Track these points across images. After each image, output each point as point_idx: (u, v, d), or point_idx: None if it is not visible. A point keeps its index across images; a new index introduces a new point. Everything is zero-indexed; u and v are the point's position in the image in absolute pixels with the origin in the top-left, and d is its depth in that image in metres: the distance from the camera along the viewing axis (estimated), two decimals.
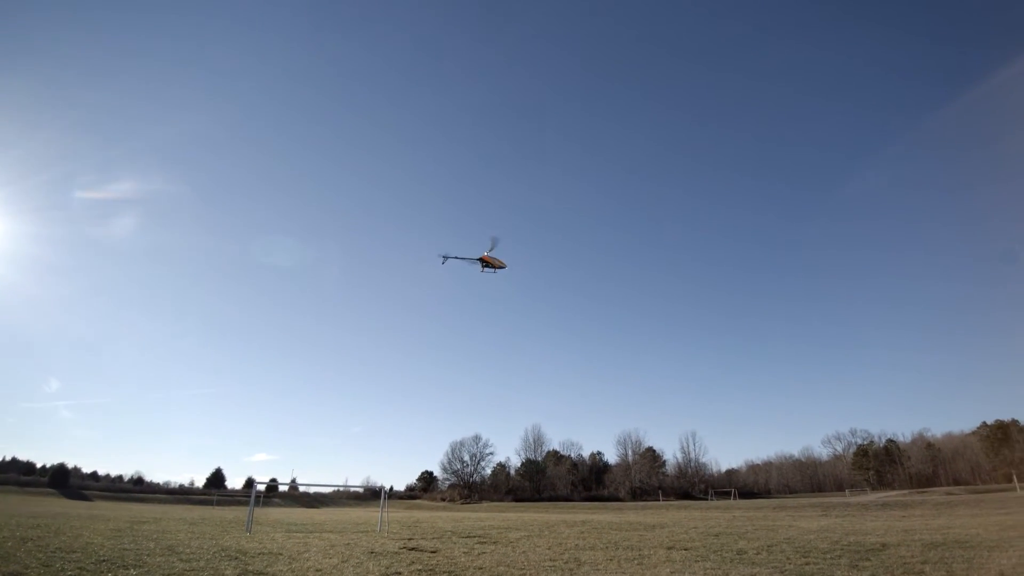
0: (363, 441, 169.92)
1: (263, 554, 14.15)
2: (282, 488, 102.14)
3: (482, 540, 19.01)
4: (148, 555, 13.01)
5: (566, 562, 12.88)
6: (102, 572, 9.98)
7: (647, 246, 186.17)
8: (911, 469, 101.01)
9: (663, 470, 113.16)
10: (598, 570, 11.58)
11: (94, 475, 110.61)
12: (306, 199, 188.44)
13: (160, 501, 71.72)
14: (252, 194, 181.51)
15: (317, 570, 11.47)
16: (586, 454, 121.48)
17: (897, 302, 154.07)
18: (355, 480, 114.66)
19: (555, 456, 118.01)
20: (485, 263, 8.30)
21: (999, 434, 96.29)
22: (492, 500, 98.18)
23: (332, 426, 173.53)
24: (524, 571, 11.34)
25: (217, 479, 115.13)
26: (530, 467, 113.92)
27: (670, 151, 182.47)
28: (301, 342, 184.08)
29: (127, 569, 10.50)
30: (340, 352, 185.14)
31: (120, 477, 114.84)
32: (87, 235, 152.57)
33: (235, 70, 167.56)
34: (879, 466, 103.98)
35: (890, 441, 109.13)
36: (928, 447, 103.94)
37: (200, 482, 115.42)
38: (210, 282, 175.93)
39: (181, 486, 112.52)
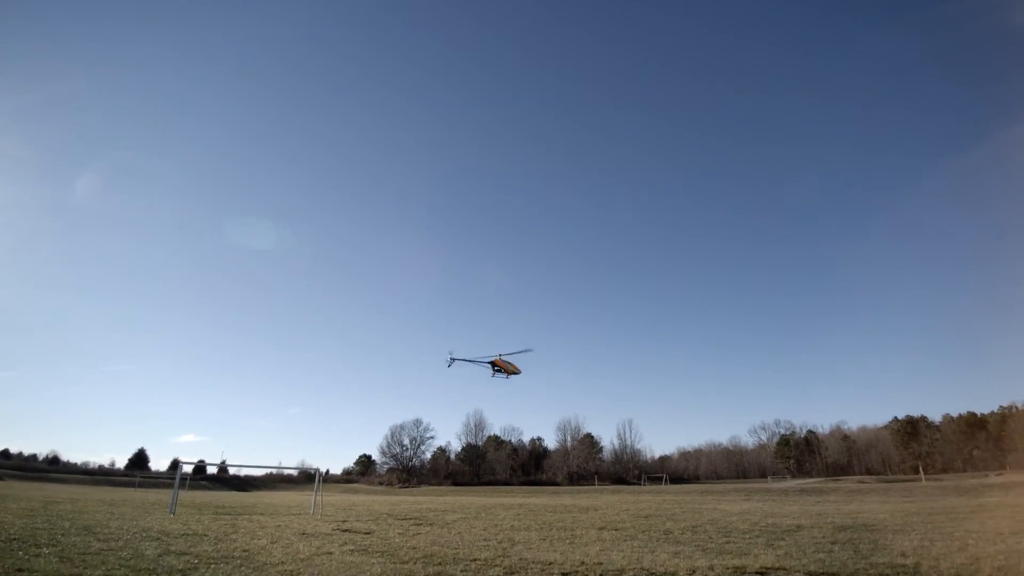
0: (299, 424, 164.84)
1: (187, 535, 13.61)
2: (211, 470, 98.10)
3: (418, 522, 19.03)
4: (63, 535, 12.33)
5: (500, 542, 13.10)
6: (13, 551, 9.39)
7: (592, 235, 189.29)
8: (828, 458, 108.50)
9: (600, 456, 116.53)
10: (531, 549, 11.85)
11: (5, 453, 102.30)
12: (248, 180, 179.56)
13: (78, 482, 67.48)
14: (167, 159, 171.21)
15: (244, 550, 11.16)
16: (526, 439, 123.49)
17: (819, 304, 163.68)
18: (290, 463, 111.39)
19: (496, 441, 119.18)
20: (497, 368, 8.03)
21: (908, 428, 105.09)
22: (431, 484, 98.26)
23: (267, 408, 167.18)
24: (458, 550, 11.45)
25: (140, 460, 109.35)
26: (470, 452, 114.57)
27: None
28: (234, 320, 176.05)
29: (40, 548, 9.94)
30: (276, 333, 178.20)
31: (34, 456, 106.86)
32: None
33: (212, 46, 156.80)
34: (799, 455, 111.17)
35: (810, 432, 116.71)
36: (844, 439, 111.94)
37: (121, 463, 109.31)
38: (137, 251, 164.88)
39: (101, 467, 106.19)
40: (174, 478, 25.67)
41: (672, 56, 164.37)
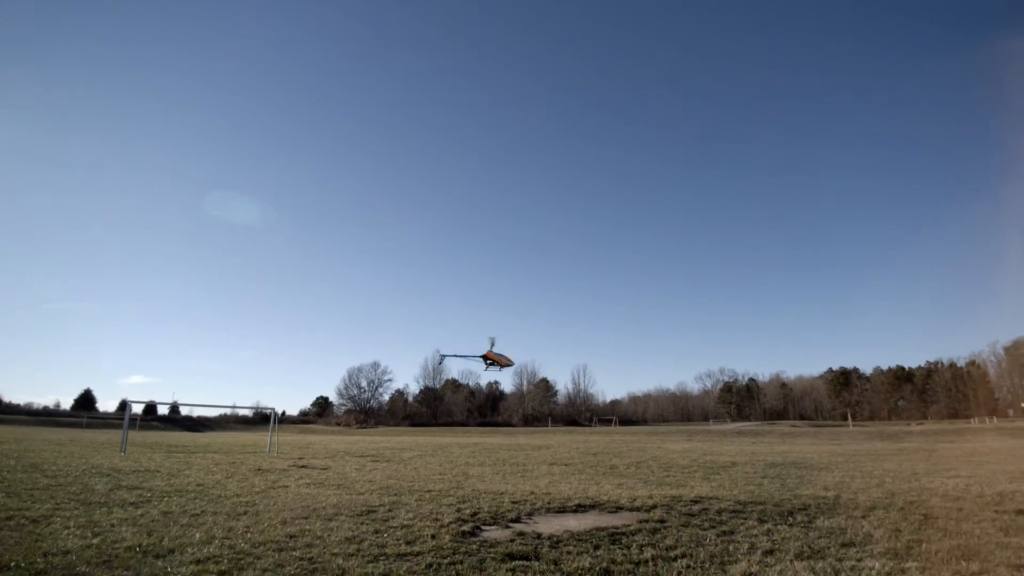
0: (253, 368, 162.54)
1: (138, 471, 13.52)
2: (162, 411, 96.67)
3: (375, 459, 19.43)
4: (9, 472, 12.09)
5: (455, 476, 13.57)
6: None
7: (546, 185, 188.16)
8: (766, 404, 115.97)
9: (554, 399, 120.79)
10: (484, 481, 12.34)
11: None
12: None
13: (22, 423, 65.27)
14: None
15: (199, 484, 11.19)
16: (483, 383, 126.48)
17: (767, 258, 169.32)
18: (244, 405, 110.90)
19: (453, 384, 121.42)
20: (489, 360, 7.95)
21: (841, 379, 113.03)
22: (389, 425, 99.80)
23: (218, 350, 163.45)
24: (413, 483, 11.82)
25: (86, 401, 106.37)
26: (428, 394, 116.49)
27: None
28: (182, 260, 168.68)
29: None
30: (226, 274, 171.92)
31: None
32: None
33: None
34: (740, 401, 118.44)
35: (751, 380, 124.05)
36: (782, 386, 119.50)
37: (67, 404, 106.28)
38: (84, 182, 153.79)
39: (46, 408, 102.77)
40: (123, 419, 25.14)
41: None
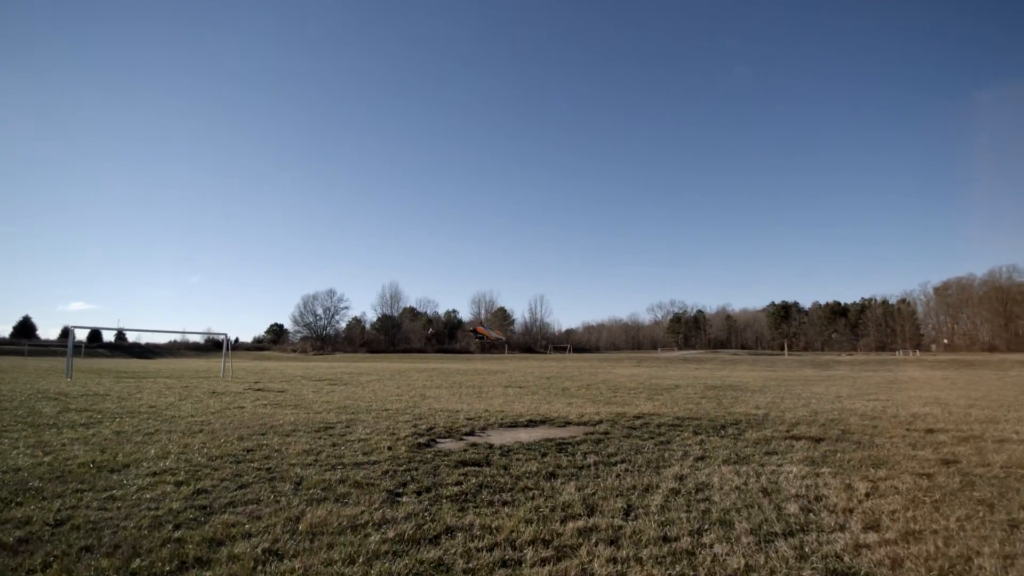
0: (202, 293, 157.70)
1: (87, 395, 13.31)
2: (108, 338, 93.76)
3: (332, 383, 19.68)
4: None
5: (412, 397, 13.97)
6: None
7: (505, 114, 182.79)
8: (711, 335, 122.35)
9: (511, 328, 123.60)
10: (440, 401, 12.78)
11: None
12: None
13: None
14: None
15: (151, 407, 11.15)
16: (441, 312, 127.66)
17: (721, 196, 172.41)
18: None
19: (411, 312, 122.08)
20: (479, 335, 7.56)
21: (782, 312, 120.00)
22: (346, 352, 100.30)
23: (165, 276, 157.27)
24: (371, 403, 12.12)
25: (26, 328, 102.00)
26: (386, 322, 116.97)
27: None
28: (123, 176, 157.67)
29: None
30: (172, 193, 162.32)
31: None
32: None
33: None
34: (687, 331, 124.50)
35: (699, 311, 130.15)
36: (727, 318, 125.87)
37: (5, 332, 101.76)
38: (15, 101, 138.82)
39: None
40: (66, 346, 24.27)
41: None
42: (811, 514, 4.35)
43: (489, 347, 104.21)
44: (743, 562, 3.38)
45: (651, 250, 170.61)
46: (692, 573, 3.23)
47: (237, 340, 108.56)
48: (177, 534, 3.71)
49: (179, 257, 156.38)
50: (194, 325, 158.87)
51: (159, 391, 15.01)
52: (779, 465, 6.17)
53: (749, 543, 3.71)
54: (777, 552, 3.56)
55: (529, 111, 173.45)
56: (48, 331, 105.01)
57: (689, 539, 3.77)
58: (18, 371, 23.97)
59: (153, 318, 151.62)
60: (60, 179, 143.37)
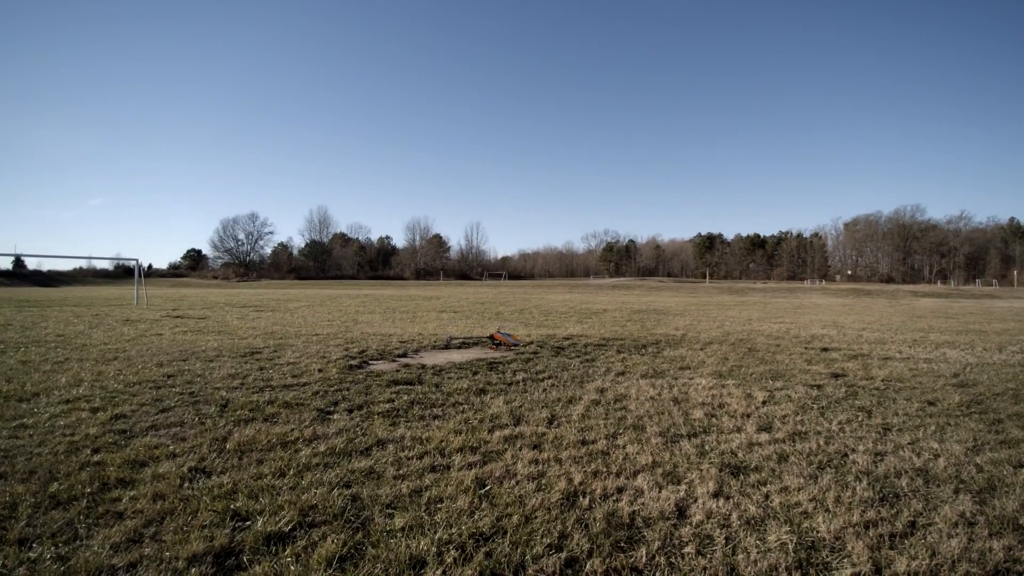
0: (108, 218, 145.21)
1: None
2: (5, 266, 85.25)
3: (258, 309, 19.06)
4: None
5: (344, 322, 13.82)
6: None
7: (442, 34, 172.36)
8: (641, 263, 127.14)
9: (447, 255, 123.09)
10: (372, 326, 12.74)
11: None
12: None
13: None
14: None
15: (59, 335, 10.44)
16: (374, 238, 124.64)
17: (646, 131, 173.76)
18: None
19: (342, 238, 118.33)
20: (497, 341, 6.97)
21: (707, 243, 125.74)
22: (273, 279, 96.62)
23: (62, 198, 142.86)
24: (300, 329, 11.91)
25: None
26: (315, 248, 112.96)
27: None
28: (8, 88, 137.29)
29: None
30: (72, 107, 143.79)
31: None
32: None
33: None
34: (619, 260, 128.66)
35: (631, 241, 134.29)
36: (656, 248, 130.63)
37: None
38: None
39: None
40: None
41: None
42: (714, 419, 4.83)
43: (424, 275, 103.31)
44: (651, 459, 3.74)
45: (587, 182, 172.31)
46: (605, 469, 3.55)
47: (151, 266, 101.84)
48: (96, 458, 3.63)
49: (77, 177, 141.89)
50: (101, 251, 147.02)
51: (66, 320, 14.02)
52: (690, 378, 6.71)
53: (658, 444, 4.10)
54: (681, 450, 3.96)
55: (467, 32, 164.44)
56: None
57: (605, 442, 4.11)
58: None
59: (55, 244, 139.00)
60: None
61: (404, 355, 8.22)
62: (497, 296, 33.17)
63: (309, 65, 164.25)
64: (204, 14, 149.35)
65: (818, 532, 2.76)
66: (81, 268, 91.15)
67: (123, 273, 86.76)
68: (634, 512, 2.94)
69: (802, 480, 3.42)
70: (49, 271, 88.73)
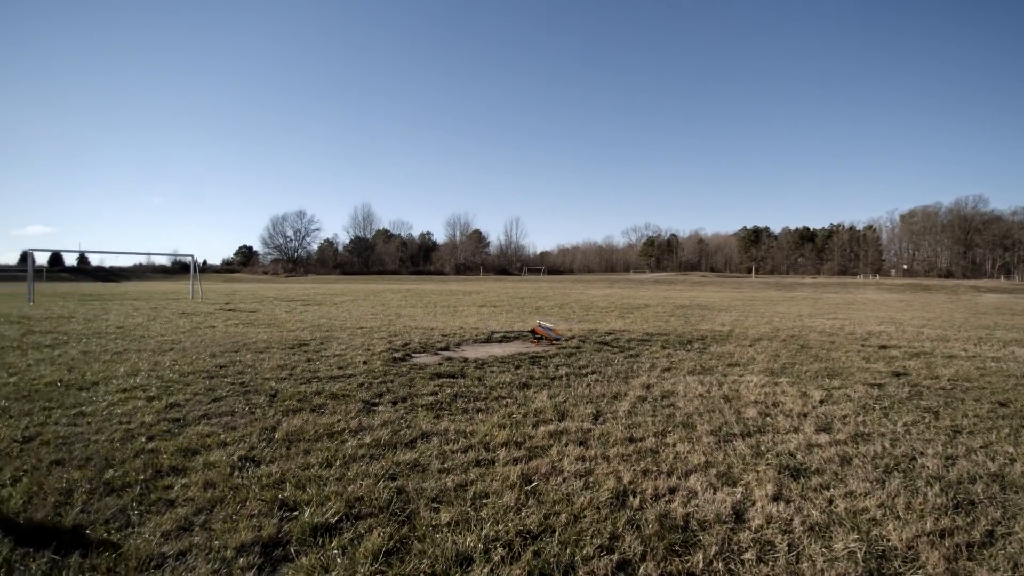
0: (166, 215, 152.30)
1: (51, 318, 12.96)
2: (70, 262, 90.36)
3: (306, 303, 19.57)
4: None
5: (387, 316, 14.01)
6: None
7: (482, 38, 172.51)
8: (683, 258, 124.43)
9: (486, 250, 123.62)
10: (415, 320, 12.86)
11: None
12: None
13: None
14: None
15: (119, 327, 10.95)
16: (416, 233, 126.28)
17: (689, 123, 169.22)
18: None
19: (385, 234, 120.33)
20: (538, 335, 7.10)
21: (752, 236, 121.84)
22: (319, 274, 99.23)
23: (124, 197, 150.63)
24: (345, 322, 12.13)
25: None
26: (359, 244, 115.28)
27: None
28: (75, 96, 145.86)
29: None
30: (133, 111, 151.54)
31: None
32: None
33: None
34: (660, 254, 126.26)
35: (673, 235, 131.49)
36: (699, 242, 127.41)
37: None
38: None
39: None
40: (25, 271, 23.26)
41: None
42: (768, 418, 4.60)
43: (464, 270, 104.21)
44: (703, 459, 3.58)
45: (628, 174, 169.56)
46: (656, 469, 3.41)
47: (205, 262, 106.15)
48: (151, 445, 3.73)
49: (139, 178, 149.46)
50: (159, 248, 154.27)
51: (126, 312, 14.71)
52: (741, 375, 6.45)
53: (709, 443, 3.92)
54: (735, 450, 3.77)
55: (507, 36, 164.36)
56: (5, 256, 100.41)
57: (654, 440, 3.97)
58: None
59: (116, 241, 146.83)
60: (9, 99, 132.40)
61: (446, 348, 8.23)
62: (536, 291, 33.06)
63: (354, 67, 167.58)
64: (252, 17, 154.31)
65: (889, 541, 2.57)
66: (141, 264, 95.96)
67: (179, 269, 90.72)
68: (688, 514, 2.81)
69: (868, 485, 3.20)
70: (111, 267, 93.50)
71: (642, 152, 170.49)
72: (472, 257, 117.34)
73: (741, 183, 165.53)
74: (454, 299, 22.92)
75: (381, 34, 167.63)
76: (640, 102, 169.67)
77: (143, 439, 3.85)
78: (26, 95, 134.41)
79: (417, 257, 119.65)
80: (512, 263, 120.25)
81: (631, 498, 2.97)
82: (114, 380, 5.77)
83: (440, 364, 6.78)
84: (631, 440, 3.96)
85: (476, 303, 20.09)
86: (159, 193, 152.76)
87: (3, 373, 6.11)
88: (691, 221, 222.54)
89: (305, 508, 2.78)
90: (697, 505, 2.91)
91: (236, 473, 3.26)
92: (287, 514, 2.74)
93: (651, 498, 2.98)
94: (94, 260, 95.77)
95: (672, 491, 3.09)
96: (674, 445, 3.86)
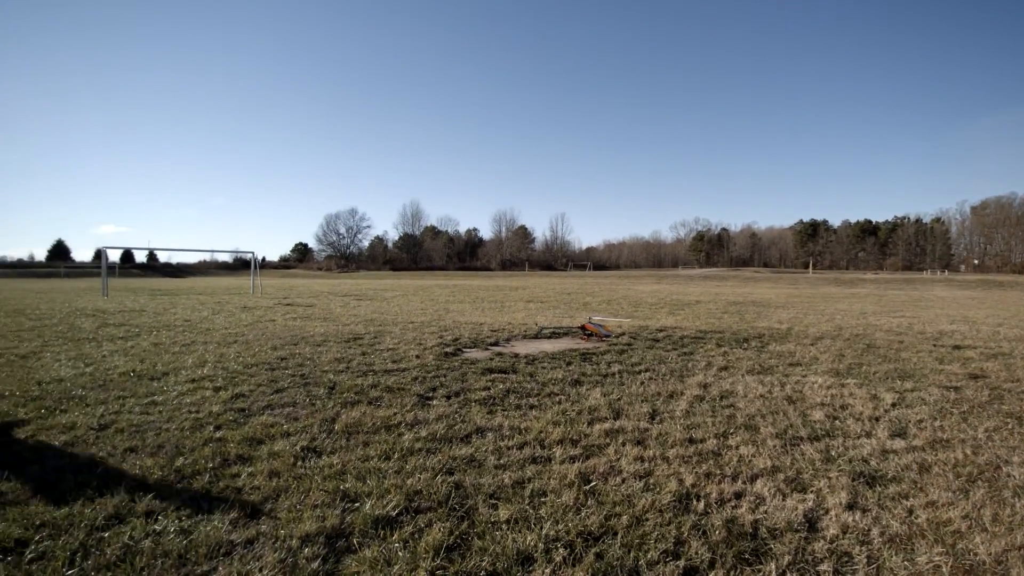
0: (227, 214, 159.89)
1: (124, 312, 13.78)
2: (139, 258, 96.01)
3: (358, 298, 20.07)
4: None
5: (436, 311, 14.19)
6: None
7: (528, 32, 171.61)
8: (734, 253, 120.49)
9: (532, 246, 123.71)
10: (463, 315, 12.96)
11: None
12: None
13: None
14: None
15: (186, 320, 11.53)
16: (462, 230, 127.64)
17: (746, 109, 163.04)
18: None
19: (432, 231, 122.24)
20: (589, 332, 7.19)
21: (809, 230, 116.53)
22: (370, 270, 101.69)
23: (189, 197, 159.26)
24: (397, 316, 12.36)
25: (61, 251, 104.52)
26: (408, 240, 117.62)
27: None
28: (142, 104, 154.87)
29: None
30: (194, 116, 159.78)
31: None
32: None
33: None
34: (710, 249, 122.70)
35: (723, 229, 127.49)
36: (752, 236, 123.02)
37: (41, 256, 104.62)
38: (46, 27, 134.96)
39: (20, 260, 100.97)
40: (100, 267, 24.89)
41: None
42: (836, 421, 4.37)
43: (510, 265, 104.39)
44: (769, 463, 3.43)
45: (676, 168, 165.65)
46: (719, 472, 3.29)
47: (264, 259, 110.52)
48: (218, 434, 3.87)
49: (202, 179, 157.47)
50: (222, 245, 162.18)
51: (192, 306, 15.48)
52: (803, 376, 6.17)
53: (775, 446, 3.76)
54: (803, 455, 3.60)
55: (549, 30, 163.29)
56: (81, 253, 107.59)
57: (715, 441, 3.83)
58: (56, 291, 24.84)
59: (181, 239, 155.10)
60: (87, 107, 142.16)
61: (496, 344, 8.24)
62: (583, 286, 32.77)
63: (403, 62, 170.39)
64: (300, 20, 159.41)
65: (976, 555, 2.38)
66: (204, 261, 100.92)
67: (240, 265, 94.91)
68: (757, 521, 2.68)
69: (951, 494, 2.98)
70: (177, 263, 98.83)
71: (691, 145, 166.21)
72: (517, 253, 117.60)
73: (797, 174, 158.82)
74: (501, 295, 22.99)
75: (429, 29, 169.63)
76: (687, 88, 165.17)
77: (211, 428, 4.01)
78: (102, 104, 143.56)
79: (464, 253, 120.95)
80: (557, 259, 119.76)
81: (695, 502, 2.86)
82: (183, 371, 6.05)
83: (491, 359, 6.79)
84: (691, 441, 3.84)
85: (523, 299, 20.09)
86: (221, 193, 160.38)
87: (80, 364, 6.49)
88: (743, 215, 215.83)
89: (366, 500, 2.82)
90: (766, 512, 2.78)
91: (299, 463, 3.34)
92: (349, 505, 2.78)
93: (716, 503, 2.87)
94: (162, 257, 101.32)
95: (738, 496, 2.96)
96: (737, 447, 3.71)
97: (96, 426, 4.06)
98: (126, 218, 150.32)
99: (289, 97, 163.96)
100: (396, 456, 3.47)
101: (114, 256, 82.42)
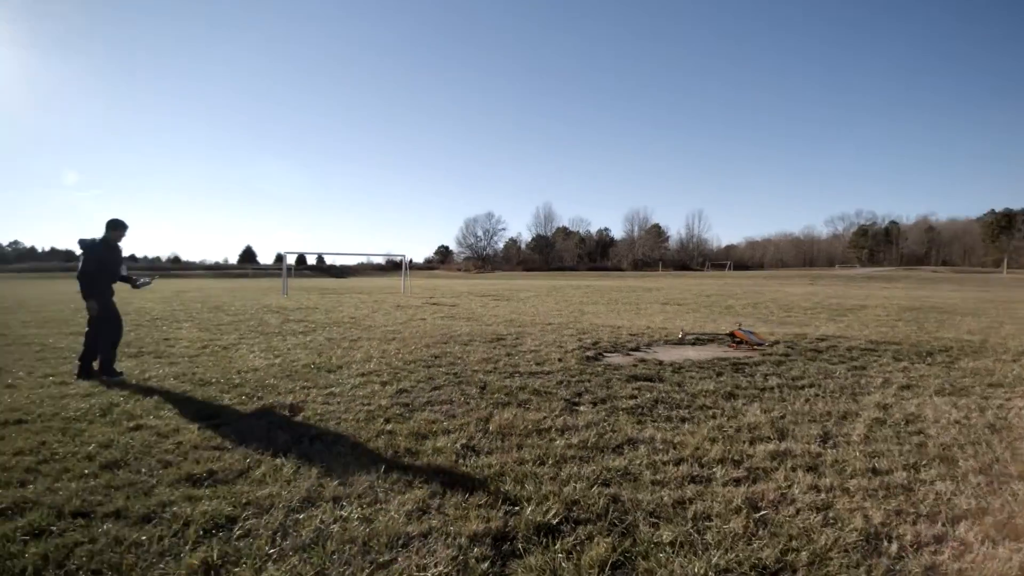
0: (377, 220, 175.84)
1: (301, 309, 15.70)
2: (310, 261, 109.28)
3: (496, 298, 20.83)
4: (198, 312, 14.28)
5: (571, 312, 14.26)
6: (157, 327, 11.06)
7: (654, 19, 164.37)
8: (904, 250, 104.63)
9: (665, 245, 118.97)
10: (599, 317, 12.87)
11: (131, 257, 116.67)
12: None
13: (198, 276, 77.14)
14: None
15: (351, 317, 12.83)
16: (594, 230, 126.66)
17: (918, 84, 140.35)
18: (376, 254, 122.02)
19: (564, 232, 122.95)
20: (738, 339, 7.32)
21: (1003, 222, 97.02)
22: (504, 270, 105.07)
23: (350, 207, 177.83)
24: (534, 317, 12.64)
25: (249, 255, 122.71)
26: (540, 242, 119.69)
27: None
28: (300, 128, 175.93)
29: (180, 323, 11.71)
30: (349, 136, 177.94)
31: (158, 258, 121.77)
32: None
33: None
34: (875, 246, 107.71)
35: (892, 223, 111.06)
36: (928, 230, 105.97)
37: (233, 259, 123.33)
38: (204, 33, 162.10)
39: (217, 263, 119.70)
40: (280, 269, 28.72)
41: None
42: None
43: (642, 266, 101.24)
44: (973, 503, 2.96)
45: (831, 154, 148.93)
46: (912, 510, 2.90)
47: (411, 261, 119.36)
48: (388, 427, 4.24)
49: (361, 190, 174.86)
50: (376, 249, 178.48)
51: (356, 305, 17.19)
52: (1007, 399, 5.26)
53: (979, 483, 3.24)
54: (1015, 496, 3.06)
55: (687, 18, 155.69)
56: (264, 256, 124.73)
57: (904, 473, 3.39)
58: (245, 291, 28.93)
59: (339, 240, 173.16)
60: (266, 137, 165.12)
61: (636, 349, 8.07)
62: (723, 288, 30.81)
63: (539, 62, 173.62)
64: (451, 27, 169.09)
65: None
66: (362, 263, 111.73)
67: (391, 266, 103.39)
68: (962, 571, 2.34)
69: None
70: (340, 265, 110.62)
71: (849, 128, 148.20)
72: (650, 252, 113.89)
73: (985, 155, 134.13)
74: (635, 296, 22.45)
75: (550, 31, 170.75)
76: (842, 66, 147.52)
77: (381, 421, 4.42)
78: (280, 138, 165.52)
79: (595, 253, 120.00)
80: (693, 258, 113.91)
81: (886, 543, 2.55)
82: (354, 364, 6.74)
83: (634, 365, 6.67)
84: (874, 472, 3.43)
85: (658, 300, 19.42)
86: (373, 201, 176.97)
87: (270, 355, 7.50)
88: (916, 204, 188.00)
89: (526, 505, 2.90)
90: (974, 562, 2.41)
91: (460, 461, 3.56)
92: (510, 508, 2.88)
93: (911, 546, 2.54)
94: (328, 259, 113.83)
95: (938, 540, 2.60)
96: (932, 483, 3.25)
97: (288, 414, 4.66)
98: (299, 225, 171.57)
99: (426, 107, 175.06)
100: (550, 462, 3.54)
101: (291, 259, 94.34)
